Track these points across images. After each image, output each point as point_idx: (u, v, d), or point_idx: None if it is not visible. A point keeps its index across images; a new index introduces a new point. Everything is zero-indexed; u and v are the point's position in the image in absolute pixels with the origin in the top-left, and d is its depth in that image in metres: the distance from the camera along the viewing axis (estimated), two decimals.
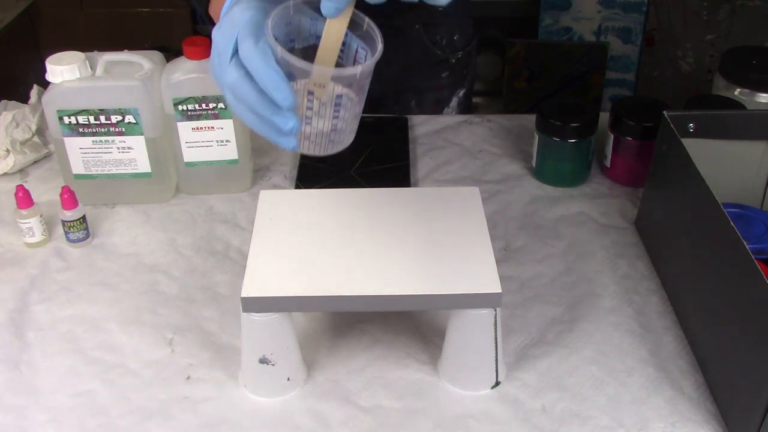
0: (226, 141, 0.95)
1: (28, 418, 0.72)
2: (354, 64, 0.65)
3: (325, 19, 0.62)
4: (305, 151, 0.65)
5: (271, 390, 0.74)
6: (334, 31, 0.61)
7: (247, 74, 0.61)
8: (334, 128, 0.64)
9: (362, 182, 0.99)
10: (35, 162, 1.06)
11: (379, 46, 0.62)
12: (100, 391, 0.75)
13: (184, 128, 0.93)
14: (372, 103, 1.18)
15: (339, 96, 0.62)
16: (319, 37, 0.63)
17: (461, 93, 1.21)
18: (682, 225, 0.82)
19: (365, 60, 0.63)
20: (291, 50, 0.62)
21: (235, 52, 0.62)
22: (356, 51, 0.64)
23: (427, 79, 1.17)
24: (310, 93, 0.62)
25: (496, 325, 0.71)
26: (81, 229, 0.91)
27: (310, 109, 0.62)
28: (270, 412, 0.73)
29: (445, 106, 1.20)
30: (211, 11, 0.74)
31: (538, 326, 0.81)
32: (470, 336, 0.72)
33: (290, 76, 0.60)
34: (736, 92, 1.01)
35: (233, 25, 0.62)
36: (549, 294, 0.85)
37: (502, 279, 0.70)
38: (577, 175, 1.01)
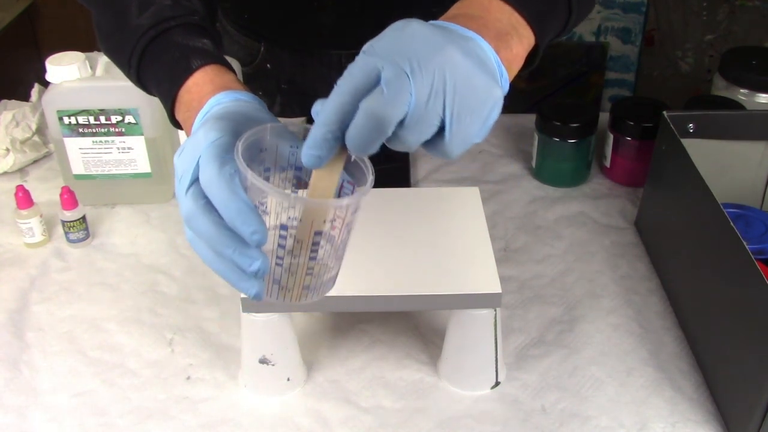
0: None
1: (28, 418, 0.72)
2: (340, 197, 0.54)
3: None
4: (272, 299, 0.54)
5: (271, 390, 0.74)
6: (322, 182, 0.51)
7: (207, 204, 0.52)
8: (310, 271, 0.53)
9: None
10: (35, 161, 1.06)
11: (370, 178, 0.52)
12: (100, 391, 0.75)
13: None
14: None
15: (318, 233, 0.51)
16: (299, 169, 0.54)
17: None
18: (682, 225, 0.82)
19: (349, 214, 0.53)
20: (263, 204, 0.52)
21: (196, 179, 0.53)
22: (341, 185, 0.55)
23: None
24: (283, 228, 0.51)
25: (496, 325, 0.71)
26: (81, 230, 0.91)
27: (282, 247, 0.52)
28: (270, 412, 0.73)
29: None
30: (179, 116, 0.65)
31: (538, 326, 0.81)
32: (470, 336, 0.72)
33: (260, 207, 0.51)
34: (735, 92, 1.01)
35: (195, 148, 0.54)
36: (549, 294, 0.85)
37: (502, 279, 0.70)
38: (577, 175, 1.01)
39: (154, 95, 0.69)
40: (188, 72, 0.64)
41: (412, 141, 0.49)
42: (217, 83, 0.62)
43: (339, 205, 0.52)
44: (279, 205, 0.51)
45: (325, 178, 0.51)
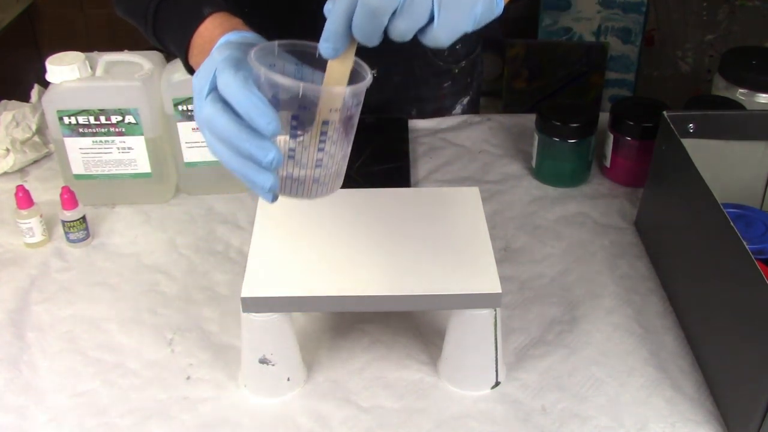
0: None
1: (28, 418, 0.72)
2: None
3: (311, 64, 0.59)
4: (286, 193, 0.59)
5: (271, 390, 0.74)
6: (335, 73, 0.57)
7: (225, 106, 0.57)
8: (319, 163, 0.59)
9: (362, 182, 0.99)
10: (35, 161, 1.06)
11: (369, 75, 0.58)
12: (100, 391, 0.75)
13: (184, 128, 0.93)
14: (371, 109, 1.17)
15: (325, 123, 0.57)
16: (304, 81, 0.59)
17: (465, 100, 1.20)
18: (682, 225, 0.82)
19: (352, 106, 0.59)
20: (275, 98, 0.57)
21: (213, 88, 0.59)
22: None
23: (429, 89, 1.16)
24: (294, 118, 0.56)
25: (496, 325, 0.71)
26: (81, 230, 0.91)
27: (293, 138, 0.57)
28: (270, 412, 0.73)
29: (447, 113, 1.20)
30: (192, 61, 0.73)
31: (538, 326, 0.81)
32: (470, 336, 0.72)
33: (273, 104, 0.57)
34: (735, 92, 1.01)
35: (211, 65, 0.60)
36: (549, 294, 0.85)
37: (502, 279, 0.70)
38: (577, 175, 1.01)
39: (171, 49, 0.76)
40: (200, 19, 0.71)
41: (405, 29, 0.54)
42: (226, 26, 0.69)
43: (342, 92, 0.57)
44: (289, 96, 0.56)
45: (338, 69, 0.57)
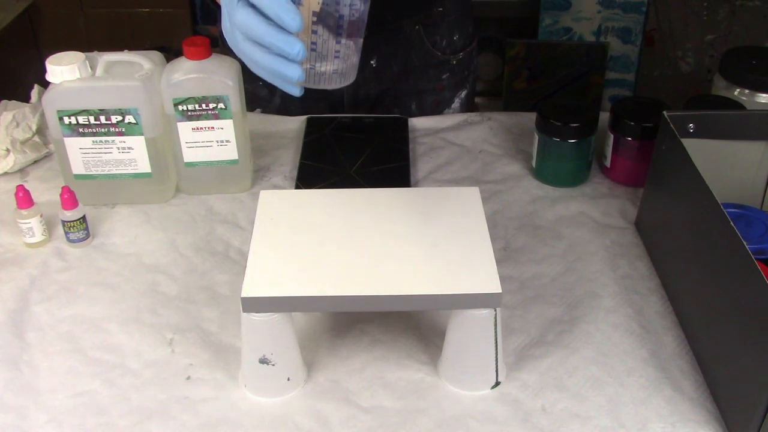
0: (226, 141, 0.95)
1: (28, 418, 0.72)
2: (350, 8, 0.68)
3: None
4: (311, 84, 0.67)
5: (271, 390, 0.74)
6: None
7: (254, 10, 0.64)
8: (337, 54, 0.67)
9: (362, 182, 0.99)
10: (35, 162, 1.06)
11: None
12: (100, 391, 0.75)
13: (184, 128, 0.93)
14: (371, 104, 1.18)
15: (341, 17, 0.65)
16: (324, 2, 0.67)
17: (463, 94, 1.21)
18: (682, 225, 0.82)
19: (361, 4, 0.66)
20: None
21: None
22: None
23: (427, 81, 1.17)
24: (314, 15, 0.64)
25: (496, 325, 0.71)
26: (81, 229, 0.91)
27: (314, 33, 0.65)
28: (270, 412, 0.73)
29: (446, 107, 1.20)
30: None
31: (538, 326, 0.81)
32: (470, 336, 0.72)
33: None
34: (735, 92, 1.01)
35: None
36: (549, 294, 0.85)
37: (502, 279, 0.70)
38: (577, 175, 1.01)
39: None
40: None
41: None
42: None
43: None
44: None
45: None
